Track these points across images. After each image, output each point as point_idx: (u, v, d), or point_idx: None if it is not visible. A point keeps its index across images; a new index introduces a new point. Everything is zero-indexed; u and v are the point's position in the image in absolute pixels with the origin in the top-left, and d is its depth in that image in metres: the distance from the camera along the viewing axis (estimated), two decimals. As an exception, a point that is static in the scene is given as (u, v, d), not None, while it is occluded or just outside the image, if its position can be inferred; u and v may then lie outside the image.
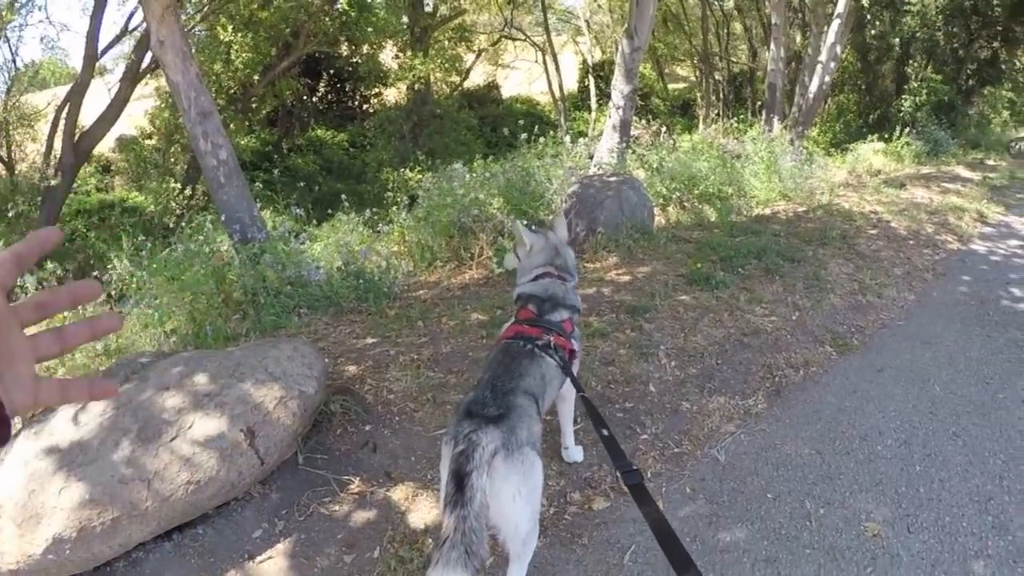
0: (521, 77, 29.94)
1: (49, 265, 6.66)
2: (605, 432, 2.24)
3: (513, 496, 2.30)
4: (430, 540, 3.10)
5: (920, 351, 4.98)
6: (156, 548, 3.19)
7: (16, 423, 4.56)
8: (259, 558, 3.13)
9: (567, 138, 9.43)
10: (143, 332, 5.80)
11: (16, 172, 16.10)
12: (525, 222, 3.32)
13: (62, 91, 16.40)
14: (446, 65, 20.58)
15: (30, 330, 0.70)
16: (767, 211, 9.15)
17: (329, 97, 23.69)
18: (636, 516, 3.20)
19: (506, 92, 29.57)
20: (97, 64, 15.06)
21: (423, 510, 3.32)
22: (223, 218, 6.76)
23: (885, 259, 7.03)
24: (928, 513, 3.15)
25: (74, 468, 3.08)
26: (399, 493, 3.42)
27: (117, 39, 16.12)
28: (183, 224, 7.73)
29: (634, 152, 10.16)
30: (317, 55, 19.74)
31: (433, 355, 4.71)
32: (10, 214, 14.01)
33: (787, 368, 4.61)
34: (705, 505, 3.28)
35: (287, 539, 3.21)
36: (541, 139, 8.31)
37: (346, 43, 19.26)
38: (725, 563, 2.91)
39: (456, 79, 24.10)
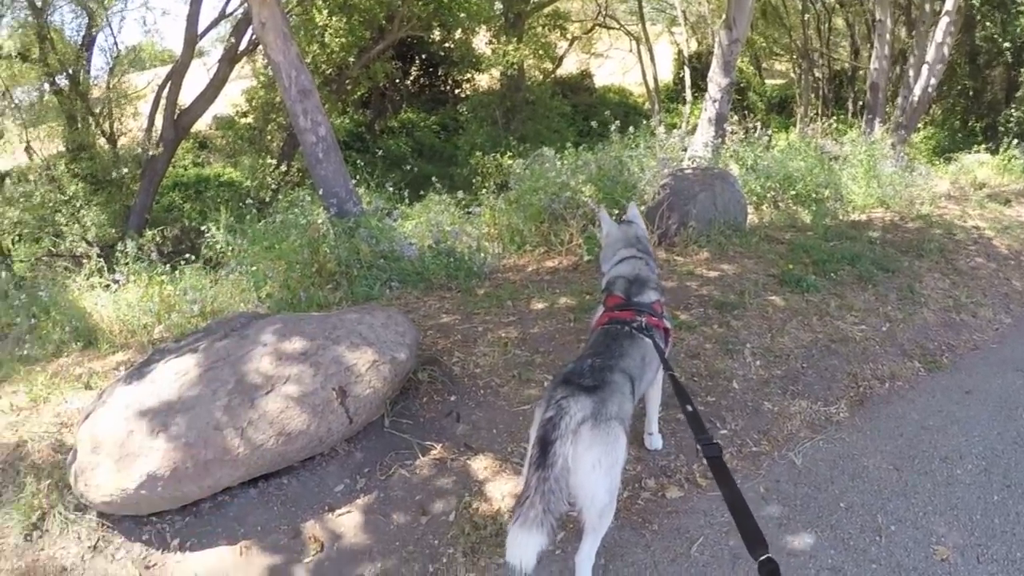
0: (615, 67, 29.69)
1: (149, 233, 7.02)
2: (690, 408, 2.32)
3: (593, 465, 2.38)
4: (505, 509, 3.20)
5: (1012, 377, 4.79)
6: (242, 493, 3.36)
7: (118, 368, 4.83)
8: (338, 511, 3.28)
9: (660, 129, 9.36)
10: (239, 297, 6.05)
11: (119, 146, 16.78)
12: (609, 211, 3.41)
13: (161, 72, 17.05)
14: (539, 52, 20.60)
15: None
16: (863, 217, 8.93)
17: (421, 81, 23.95)
18: (707, 508, 3.25)
19: (599, 81, 29.40)
20: (196, 46, 15.59)
21: (500, 481, 3.42)
22: (320, 192, 6.97)
23: (983, 278, 6.78)
24: (1000, 546, 3.07)
25: (172, 413, 3.26)
26: (478, 463, 3.53)
27: (216, 22, 16.68)
28: (279, 198, 8.01)
29: (729, 147, 10.02)
30: (410, 39, 19.93)
31: (521, 335, 4.80)
32: (113, 185, 14.72)
33: (873, 379, 4.55)
34: (777, 507, 3.29)
35: (367, 496, 3.36)
36: (631, 128, 8.27)
37: (439, 28, 19.39)
38: (791, 567, 2.92)
39: (549, 66, 24.07)
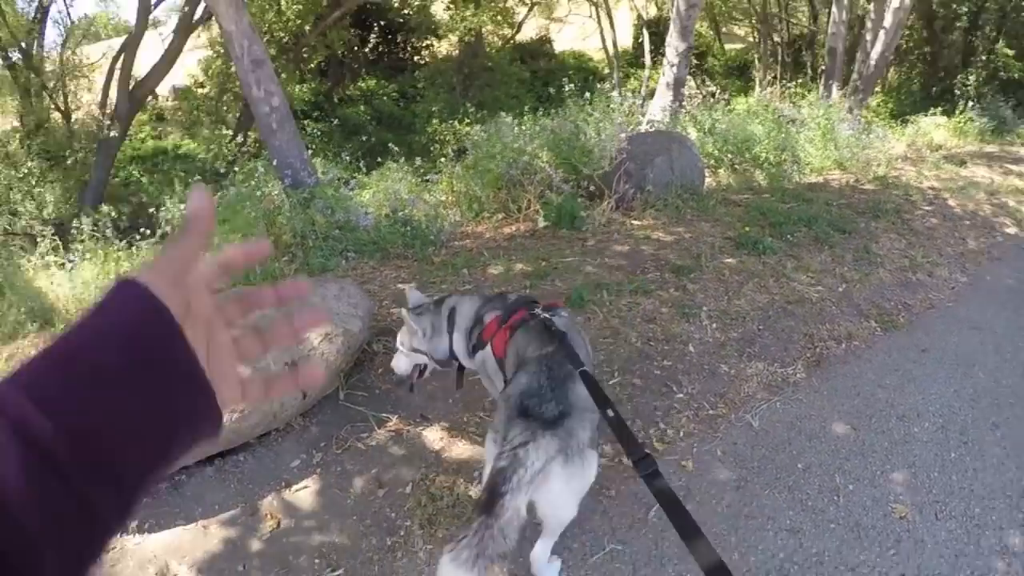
0: (575, 32, 29.47)
1: (104, 208, 6.85)
2: (611, 413, 2.01)
3: (568, 493, 2.26)
4: (461, 480, 3.18)
5: (967, 335, 4.87)
6: (198, 471, 3.31)
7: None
8: (295, 487, 3.24)
9: (615, 93, 9.29)
10: (196, 271, 5.94)
11: (72, 120, 16.53)
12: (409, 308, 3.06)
13: (116, 43, 16.71)
14: (497, 18, 20.38)
15: None
16: (820, 179, 9.00)
17: (380, 48, 23.57)
18: (664, 473, 3.15)
19: (559, 47, 29.15)
20: (151, 16, 15.37)
21: (455, 451, 3.40)
22: (275, 163, 6.85)
23: (939, 237, 6.86)
24: (958, 502, 3.12)
25: None
26: (433, 433, 3.51)
27: (171, -9, 16.29)
28: (235, 169, 7.86)
29: (687, 111, 10.00)
30: (368, 6, 19.59)
31: (475, 303, 4.76)
32: (68, 160, 14.40)
33: (829, 340, 4.57)
34: (735, 469, 3.30)
35: (323, 470, 3.32)
36: (588, 93, 8.21)
37: (397, -6, 19.22)
38: (748, 528, 2.92)
39: (508, 32, 23.86)
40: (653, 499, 2.96)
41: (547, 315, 2.65)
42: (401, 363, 3.05)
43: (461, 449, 3.41)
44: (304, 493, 3.22)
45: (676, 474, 3.24)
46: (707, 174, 8.15)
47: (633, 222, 6.45)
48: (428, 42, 23.48)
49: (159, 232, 6.58)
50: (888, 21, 13.26)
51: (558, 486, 2.17)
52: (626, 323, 4.47)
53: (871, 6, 15.05)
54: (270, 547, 2.96)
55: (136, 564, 2.95)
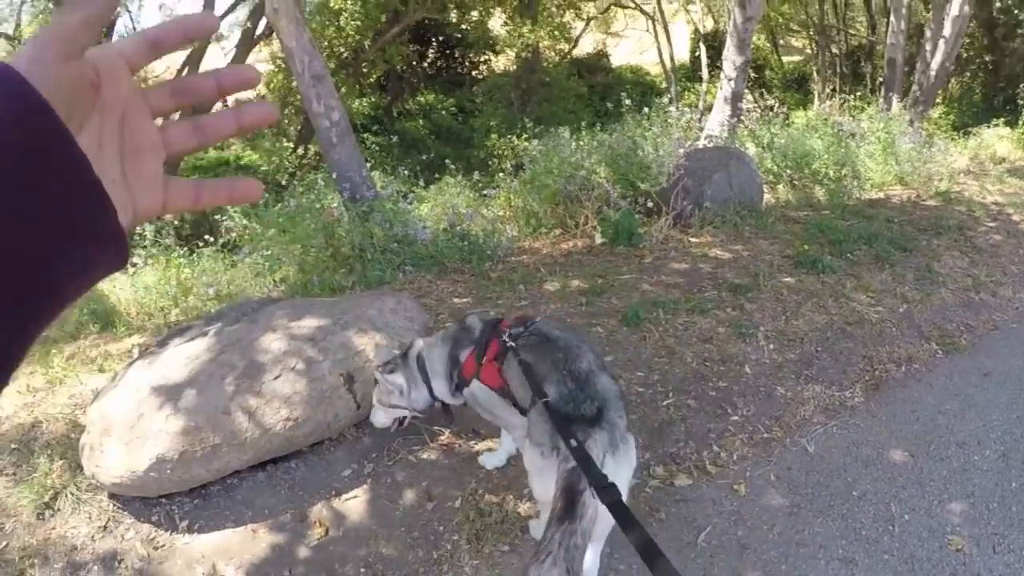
0: (631, 46, 29.41)
1: (168, 216, 7.09)
2: (574, 442, 2.05)
3: (623, 482, 2.29)
4: (510, 497, 3.21)
5: (1032, 359, 4.73)
6: (250, 476, 3.42)
7: (132, 351, 4.90)
8: (345, 496, 3.32)
9: (673, 108, 9.29)
10: (254, 280, 6.13)
11: None
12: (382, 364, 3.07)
13: (179, 57, 17.17)
14: (554, 32, 20.41)
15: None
16: (881, 195, 8.85)
17: (438, 63, 23.81)
18: (716, 497, 3.24)
19: (616, 61, 29.11)
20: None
21: (506, 468, 3.42)
22: (334, 176, 6.99)
23: (1003, 255, 6.67)
24: (1018, 535, 3.03)
25: (182, 397, 3.31)
26: (485, 449, 3.55)
27: (232, 7, 16.87)
28: (295, 182, 8.06)
29: (745, 126, 9.94)
30: (426, 21, 19.76)
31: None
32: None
33: (889, 362, 4.49)
34: (788, 495, 3.27)
35: (374, 481, 3.39)
36: (646, 108, 8.23)
37: (455, 9, 19.31)
38: (800, 557, 2.90)
39: (565, 47, 23.86)
40: (704, 523, 3.03)
41: (520, 330, 2.70)
42: (380, 418, 3.08)
43: (512, 466, 3.44)
44: (353, 503, 3.29)
45: (728, 498, 3.23)
46: (766, 190, 8.09)
47: (691, 239, 6.44)
48: (486, 57, 23.62)
49: (220, 241, 6.82)
50: (948, 30, 12.98)
51: (616, 478, 2.16)
52: (682, 342, 4.48)
53: (930, 15, 14.77)
54: (317, 554, 3.04)
55: (184, 563, 3.06)
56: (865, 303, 5.25)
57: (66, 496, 3.41)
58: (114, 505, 3.37)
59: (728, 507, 3.17)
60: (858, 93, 14.31)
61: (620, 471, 2.27)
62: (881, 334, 4.85)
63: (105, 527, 3.29)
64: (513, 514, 3.13)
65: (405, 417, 3.09)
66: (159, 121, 0.57)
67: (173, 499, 3.36)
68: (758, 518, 3.11)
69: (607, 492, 1.79)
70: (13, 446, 3.83)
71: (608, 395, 2.40)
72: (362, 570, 2.95)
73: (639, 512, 3.14)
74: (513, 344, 2.64)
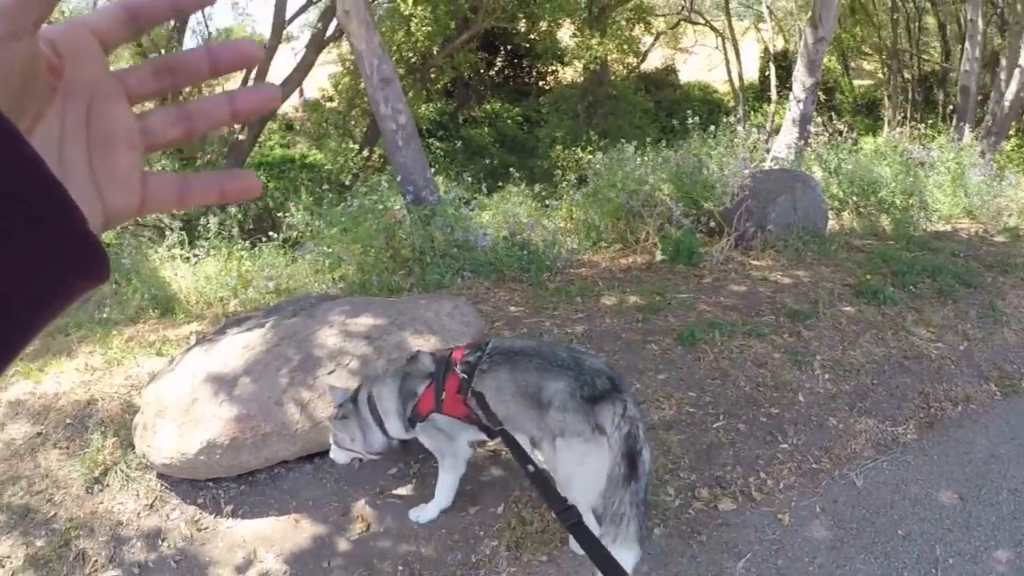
0: (700, 63, 29.19)
1: (231, 209, 7.34)
2: (531, 468, 2.04)
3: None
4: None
5: (1097, 406, 4.58)
6: (297, 468, 3.53)
7: (190, 337, 5.06)
8: (389, 494, 3.40)
9: (740, 128, 9.25)
10: (313, 277, 6.29)
11: None
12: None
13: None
14: (623, 46, 20.37)
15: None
16: (948, 227, 8.67)
17: (506, 72, 23.93)
18: (759, 524, 3.23)
19: (684, 77, 28.94)
20: (284, 31, 16.10)
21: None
22: (398, 179, 7.10)
23: (1072, 297, 6.51)
24: None
25: (236, 385, 3.44)
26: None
27: (303, 8, 17.25)
28: (359, 183, 8.23)
29: (813, 149, 9.84)
30: (495, 30, 19.90)
31: (587, 331, 4.84)
32: (199, 161, 15.31)
33: (945, 400, 4.39)
34: (832, 528, 3.23)
35: (419, 482, 3.46)
36: (712, 127, 8.22)
37: (524, 19, 19.42)
38: (840, 592, 2.86)
39: (633, 61, 23.79)
40: (745, 549, 3.04)
41: (477, 354, 2.80)
42: (340, 457, 3.16)
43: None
44: (397, 501, 3.37)
45: (771, 526, 3.21)
46: (830, 216, 8.00)
47: (752, 262, 6.42)
48: (553, 68, 23.67)
49: (282, 236, 7.01)
50: (1023, 60, 12.69)
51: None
52: (736, 365, 4.48)
53: (1006, 42, 14.41)
54: (357, 549, 3.12)
55: (226, 546, 3.17)
56: (925, 338, 5.15)
57: (116, 473, 3.57)
58: (162, 485, 3.51)
59: (770, 535, 3.16)
60: (929, 121, 14.02)
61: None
62: (939, 371, 4.74)
63: (151, 505, 3.43)
64: (554, 525, 3.15)
65: (361, 459, 3.17)
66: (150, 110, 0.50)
67: (220, 483, 3.48)
68: (800, 549, 3.09)
69: (568, 514, 1.78)
70: (68, 421, 4.01)
71: (605, 368, 2.62)
72: (400, 568, 3.01)
73: (681, 532, 3.17)
74: (480, 354, 2.78)
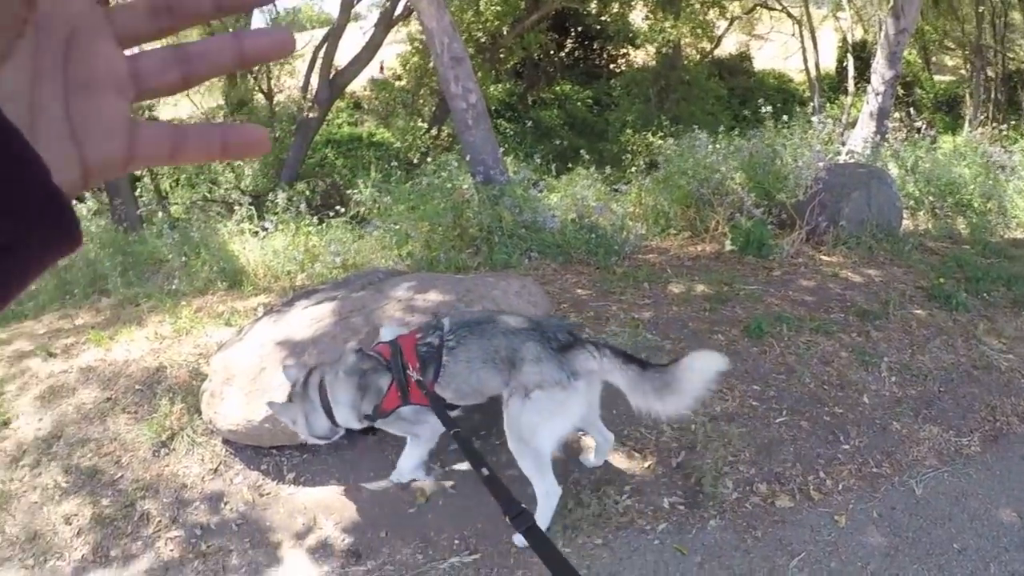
0: (775, 50, 28.59)
1: (300, 185, 7.53)
2: (485, 472, 2.03)
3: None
4: (611, 490, 3.29)
5: None
6: (360, 439, 3.59)
7: (258, 309, 5.11)
8: (450, 468, 3.48)
9: (815, 119, 9.09)
10: (380, 253, 6.40)
11: (275, 102, 18.08)
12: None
13: (318, 34, 17.90)
14: (697, 30, 20.09)
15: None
16: (1027, 234, 8.47)
17: (576, 53, 23.79)
18: (815, 524, 3.21)
19: (758, 64, 28.40)
20: (353, 10, 16.41)
21: (613, 461, 3.50)
22: (468, 158, 7.18)
23: None
24: None
25: (304, 355, 3.53)
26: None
27: (373, -13, 17.27)
28: (427, 161, 8.33)
29: (890, 145, 9.62)
30: (566, 11, 19.81)
31: (653, 318, 4.84)
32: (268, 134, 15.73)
33: (1012, 415, 4.24)
34: (888, 535, 3.20)
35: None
36: (785, 117, 8.10)
37: (595, 0, 19.34)
38: (888, 601, 2.83)
39: (707, 45, 23.39)
40: (799, 548, 3.06)
41: (436, 333, 2.93)
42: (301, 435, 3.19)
43: (618, 460, 3.52)
44: (456, 476, 3.43)
45: (827, 527, 3.20)
46: (905, 215, 7.85)
47: (823, 257, 6.32)
48: (625, 50, 23.47)
49: (349, 213, 7.15)
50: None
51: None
52: (802, 362, 4.44)
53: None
54: (414, 521, 3.20)
55: (286, 512, 3.29)
56: (996, 348, 4.99)
57: (182, 437, 3.73)
58: (227, 450, 3.65)
59: (826, 536, 3.14)
60: (1012, 122, 13.59)
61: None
62: (1008, 384, 4.57)
63: (216, 470, 3.58)
64: (612, 509, 3.20)
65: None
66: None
67: (283, 451, 3.59)
68: (854, 553, 3.07)
69: (521, 519, 1.76)
70: (138, 387, 4.19)
71: (563, 324, 2.99)
72: (456, 542, 3.09)
73: (736, 526, 3.19)
74: (440, 334, 2.96)
